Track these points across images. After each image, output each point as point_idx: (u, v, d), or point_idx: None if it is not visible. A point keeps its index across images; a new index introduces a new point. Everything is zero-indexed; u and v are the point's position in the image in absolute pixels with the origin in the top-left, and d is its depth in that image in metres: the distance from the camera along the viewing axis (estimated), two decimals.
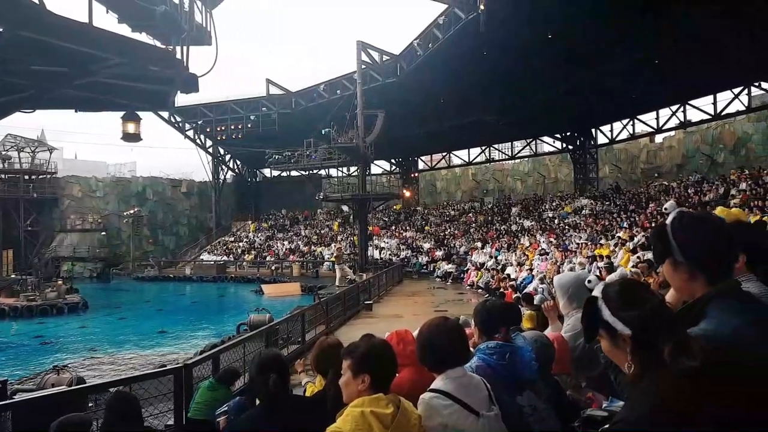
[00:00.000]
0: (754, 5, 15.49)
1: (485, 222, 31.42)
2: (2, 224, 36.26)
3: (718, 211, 4.66)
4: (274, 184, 46.08)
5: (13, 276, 29.96)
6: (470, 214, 34.21)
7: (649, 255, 9.61)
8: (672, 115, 28.04)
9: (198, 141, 39.57)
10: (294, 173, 40.26)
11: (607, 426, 1.46)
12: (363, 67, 27.03)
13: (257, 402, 2.59)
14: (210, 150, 41.26)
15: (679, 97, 26.41)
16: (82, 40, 4.35)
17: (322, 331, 10.84)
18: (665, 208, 11.33)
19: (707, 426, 1.08)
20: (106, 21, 4.77)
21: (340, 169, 36.90)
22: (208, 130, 38.18)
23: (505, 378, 2.22)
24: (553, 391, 2.53)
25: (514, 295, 12.62)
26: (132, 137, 6.60)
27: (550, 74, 22.75)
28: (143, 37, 5.12)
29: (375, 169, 40.47)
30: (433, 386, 1.96)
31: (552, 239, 21.47)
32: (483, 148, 39.03)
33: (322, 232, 38.50)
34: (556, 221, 25.64)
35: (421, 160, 43.98)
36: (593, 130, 33.16)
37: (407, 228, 35.22)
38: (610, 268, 11.44)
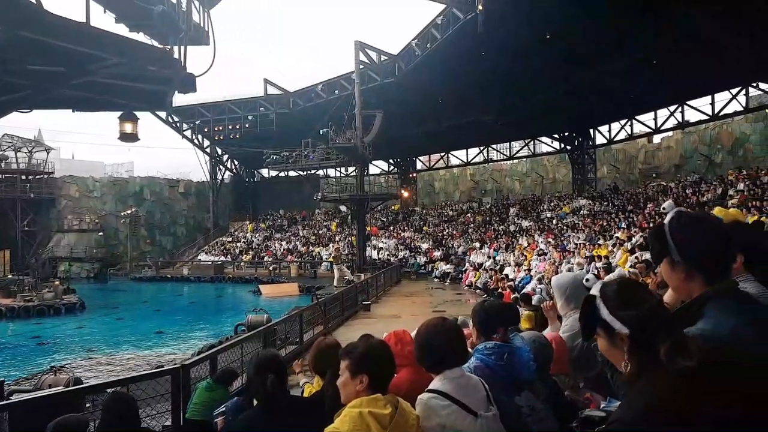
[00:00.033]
0: (754, 5, 15.50)
1: (483, 222, 31.43)
2: None
3: (716, 211, 4.68)
4: (271, 185, 46.00)
5: (10, 276, 29.78)
6: (468, 215, 34.22)
7: (647, 255, 9.63)
8: (670, 116, 28.06)
9: (195, 141, 39.52)
10: (292, 173, 40.31)
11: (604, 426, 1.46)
12: (361, 67, 27.00)
13: (255, 402, 2.59)
14: (207, 150, 41.18)
15: (677, 97, 26.43)
16: (79, 40, 4.34)
17: (320, 332, 10.81)
18: (663, 208, 11.33)
19: (704, 426, 1.07)
20: (104, 21, 4.77)
21: (338, 169, 36.82)
22: (205, 130, 38.09)
23: (503, 378, 2.22)
24: (552, 392, 2.53)
25: (512, 296, 12.66)
26: (129, 137, 6.58)
27: (549, 74, 22.74)
28: (141, 36, 5.11)
29: (373, 169, 40.55)
30: (431, 387, 1.96)
31: (550, 239, 21.49)
32: (481, 148, 39.04)
33: (320, 232, 38.46)
34: (554, 221, 25.64)
35: (420, 160, 43.89)
36: (591, 131, 33.18)
37: (405, 228, 35.19)
38: (609, 269, 11.47)
